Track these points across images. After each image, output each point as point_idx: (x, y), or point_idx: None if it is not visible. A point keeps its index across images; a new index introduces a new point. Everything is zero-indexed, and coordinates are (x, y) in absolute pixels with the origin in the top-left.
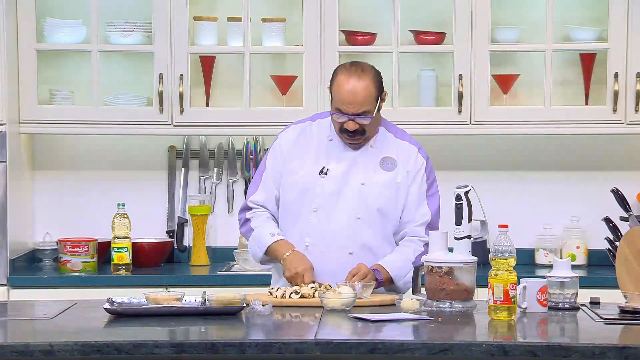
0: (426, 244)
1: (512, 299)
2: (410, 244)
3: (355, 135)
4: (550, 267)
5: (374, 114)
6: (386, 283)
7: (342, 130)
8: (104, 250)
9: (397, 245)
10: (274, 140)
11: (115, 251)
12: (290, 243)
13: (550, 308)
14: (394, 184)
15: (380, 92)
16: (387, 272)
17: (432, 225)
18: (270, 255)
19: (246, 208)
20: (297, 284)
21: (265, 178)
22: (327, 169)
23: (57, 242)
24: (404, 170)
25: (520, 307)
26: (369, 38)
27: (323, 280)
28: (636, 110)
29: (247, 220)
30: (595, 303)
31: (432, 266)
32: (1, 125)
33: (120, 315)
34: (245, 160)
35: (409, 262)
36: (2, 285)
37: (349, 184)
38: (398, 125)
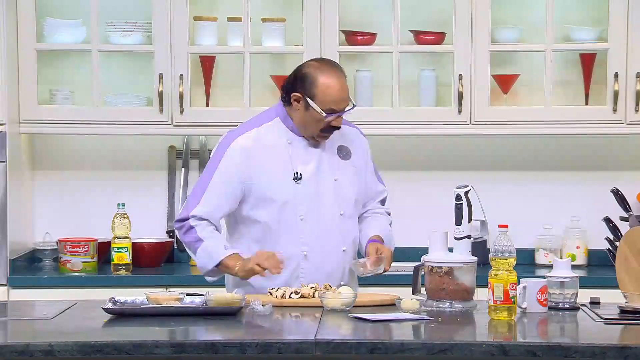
0: (389, 213)
1: (512, 299)
2: (381, 216)
3: (333, 130)
4: (550, 267)
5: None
6: None
7: (325, 130)
8: (104, 250)
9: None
10: (220, 150)
11: (115, 251)
12: (239, 255)
13: (550, 308)
14: (356, 171)
15: None
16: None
17: (386, 199)
18: (221, 268)
19: (186, 218)
20: (265, 270)
21: (212, 189)
22: (300, 173)
23: (57, 242)
24: (356, 154)
25: (520, 307)
26: (369, 38)
27: (321, 283)
28: (636, 110)
29: (192, 227)
30: (595, 303)
31: (432, 266)
32: (1, 125)
33: (120, 315)
34: None
35: (389, 227)
36: (2, 285)
37: (323, 183)
38: (398, 126)
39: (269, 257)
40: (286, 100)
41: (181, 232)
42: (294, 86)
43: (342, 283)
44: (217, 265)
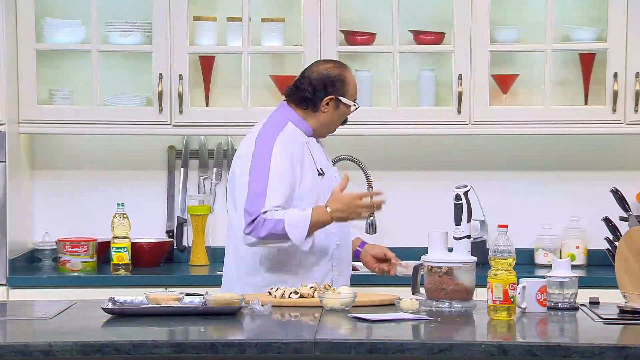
0: None
1: (512, 299)
2: None
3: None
4: (549, 267)
5: None
6: None
7: (344, 122)
8: (103, 250)
9: None
10: (266, 148)
11: (114, 251)
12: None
13: (549, 308)
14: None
15: None
16: None
17: None
18: (314, 225)
19: (255, 218)
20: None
21: (274, 185)
22: (322, 169)
23: (56, 242)
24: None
25: (520, 307)
26: (369, 38)
27: (345, 271)
28: (635, 110)
29: (265, 220)
30: (594, 303)
31: (432, 266)
32: (1, 125)
33: (120, 315)
34: None
35: None
36: (1, 285)
37: (332, 177)
38: (397, 126)
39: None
40: (312, 106)
41: (258, 231)
42: (325, 92)
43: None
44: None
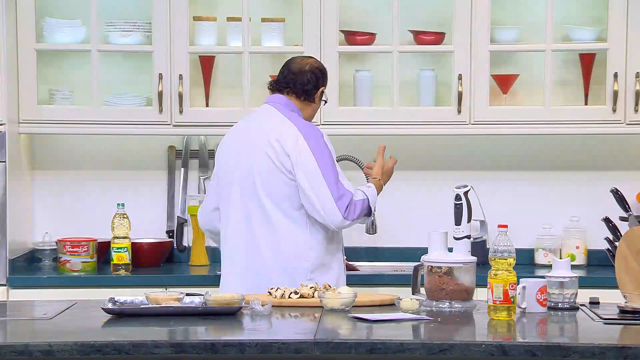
0: None
1: (512, 299)
2: None
3: None
4: (549, 267)
5: None
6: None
7: None
8: (103, 250)
9: None
10: (320, 136)
11: (114, 251)
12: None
13: (549, 308)
14: None
15: None
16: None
17: None
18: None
19: (348, 203)
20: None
21: (339, 168)
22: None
23: (56, 242)
24: None
25: (520, 307)
26: (369, 38)
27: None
28: (636, 110)
29: (355, 202)
30: (594, 303)
31: (432, 266)
32: (1, 125)
33: (120, 315)
34: None
35: None
36: (1, 285)
37: None
38: (397, 126)
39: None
40: (309, 97)
41: (352, 214)
42: (318, 84)
43: None
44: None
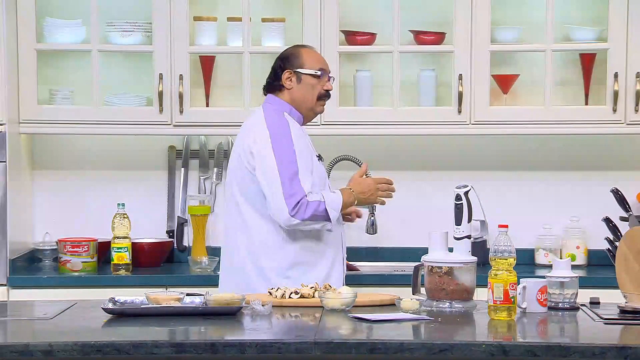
0: None
1: (512, 299)
2: None
3: (329, 97)
4: (550, 267)
5: None
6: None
7: (321, 96)
8: (104, 250)
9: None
10: (283, 128)
11: (115, 251)
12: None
13: (550, 308)
14: None
15: None
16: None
17: None
18: (344, 206)
19: (300, 200)
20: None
21: (303, 166)
22: (319, 154)
23: (57, 242)
24: None
25: (520, 307)
26: (369, 38)
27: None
28: (636, 110)
29: (308, 202)
30: (595, 303)
31: (432, 266)
32: (1, 125)
33: (120, 315)
34: None
35: None
36: (2, 285)
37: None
38: (398, 126)
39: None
40: (276, 87)
41: (302, 214)
42: (282, 69)
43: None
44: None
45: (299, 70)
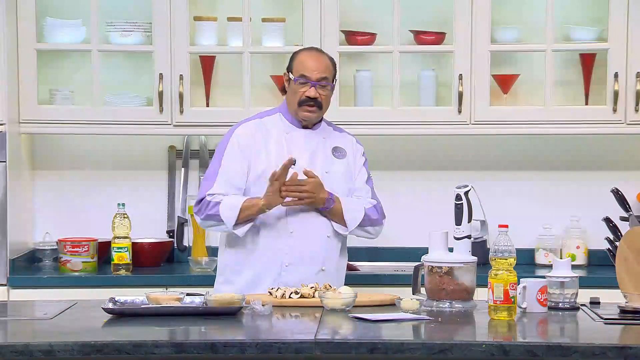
0: (374, 205)
1: (512, 299)
2: (361, 199)
3: (314, 105)
4: (550, 267)
5: (333, 83)
6: (336, 210)
7: (301, 102)
8: (104, 250)
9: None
10: (226, 137)
11: (115, 251)
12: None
13: (550, 308)
14: (348, 169)
15: (335, 74)
16: (339, 201)
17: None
18: (245, 209)
19: (202, 199)
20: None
21: (222, 173)
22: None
23: (57, 242)
24: (350, 157)
25: (520, 307)
26: (369, 38)
27: (307, 263)
28: (636, 110)
29: (209, 202)
30: (595, 303)
31: (432, 266)
32: (1, 125)
33: (120, 315)
34: None
35: (361, 205)
36: (2, 285)
37: (316, 172)
38: (398, 126)
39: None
40: (284, 89)
41: (201, 212)
42: (287, 68)
43: (323, 268)
44: (241, 211)
45: (290, 73)
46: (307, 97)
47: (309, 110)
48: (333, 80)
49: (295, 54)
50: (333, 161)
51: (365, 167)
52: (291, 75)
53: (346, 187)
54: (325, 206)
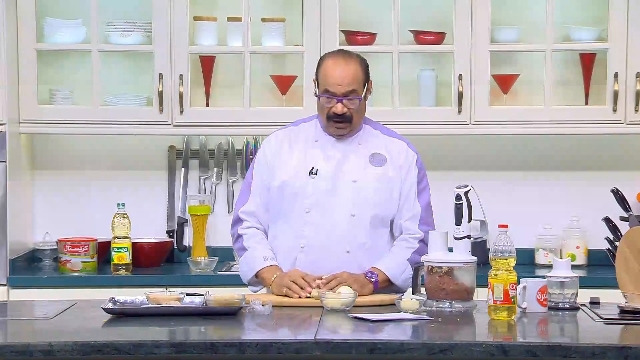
0: (420, 240)
1: (512, 299)
2: (403, 243)
3: (343, 121)
4: (550, 267)
5: (362, 96)
6: (383, 284)
7: (329, 117)
8: (104, 250)
9: (394, 240)
10: (261, 146)
11: (115, 251)
12: (279, 267)
13: (550, 308)
14: (385, 179)
15: (367, 78)
16: (383, 273)
17: (423, 220)
18: (259, 278)
19: (238, 221)
20: (295, 293)
21: (254, 187)
22: (317, 169)
23: (57, 242)
24: (395, 165)
25: (520, 307)
26: (369, 38)
27: (327, 244)
28: (636, 110)
29: (240, 236)
30: (595, 303)
31: (432, 266)
32: (1, 125)
33: (120, 315)
34: (245, 160)
35: (404, 259)
36: (2, 285)
37: (341, 181)
38: (398, 126)
39: (301, 276)
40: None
41: (233, 240)
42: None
43: (348, 250)
44: (255, 276)
45: (317, 82)
46: (334, 113)
47: (338, 127)
48: (364, 87)
49: (321, 59)
50: (366, 169)
51: (419, 178)
52: (317, 89)
53: (378, 198)
54: (373, 284)
